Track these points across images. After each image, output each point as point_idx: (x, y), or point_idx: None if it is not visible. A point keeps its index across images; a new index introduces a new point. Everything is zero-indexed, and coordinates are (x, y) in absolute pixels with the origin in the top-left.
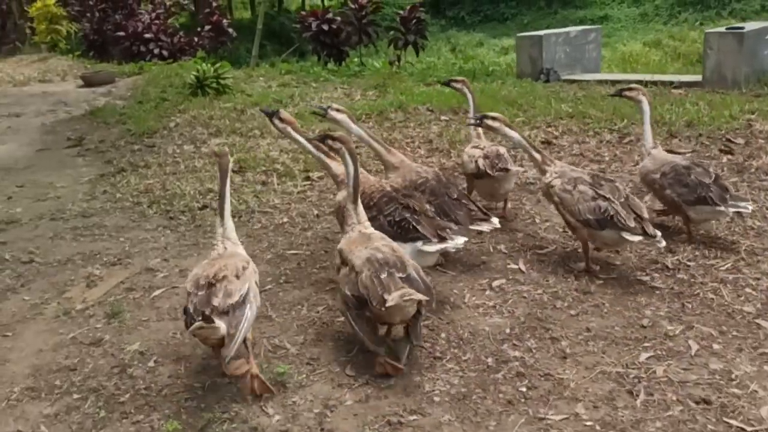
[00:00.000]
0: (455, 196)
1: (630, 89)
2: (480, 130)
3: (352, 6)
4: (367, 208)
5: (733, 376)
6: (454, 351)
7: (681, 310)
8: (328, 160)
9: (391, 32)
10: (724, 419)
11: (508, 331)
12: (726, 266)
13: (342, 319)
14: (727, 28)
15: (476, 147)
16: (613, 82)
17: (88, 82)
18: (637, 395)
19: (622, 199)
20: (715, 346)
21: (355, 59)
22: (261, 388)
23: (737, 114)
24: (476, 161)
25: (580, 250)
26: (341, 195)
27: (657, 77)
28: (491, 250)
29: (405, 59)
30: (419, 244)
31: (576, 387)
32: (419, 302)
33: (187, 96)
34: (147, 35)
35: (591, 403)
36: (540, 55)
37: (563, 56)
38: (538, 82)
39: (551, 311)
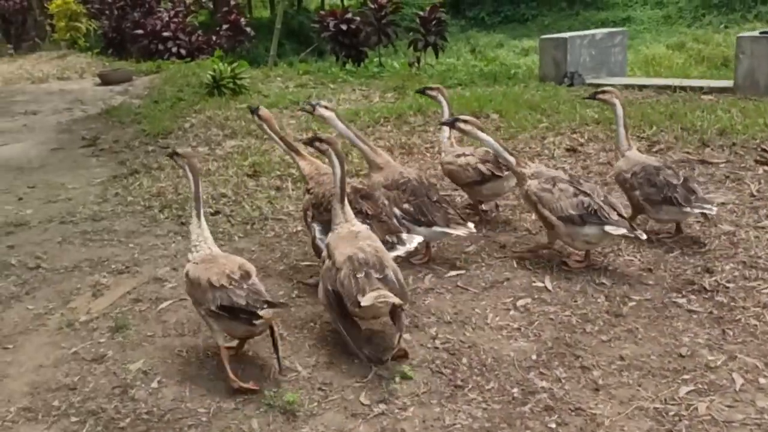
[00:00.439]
0: (435, 199)
1: (604, 92)
2: (453, 137)
3: (372, 6)
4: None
5: None
6: (477, 379)
7: (722, 337)
8: (298, 159)
9: (411, 33)
10: None
11: (534, 357)
12: None
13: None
14: (761, 32)
15: (461, 155)
16: (640, 87)
17: (106, 80)
18: None
19: (602, 198)
20: (762, 381)
21: (374, 60)
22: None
23: None
24: (476, 168)
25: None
26: (308, 197)
27: (686, 82)
28: (515, 265)
29: (425, 61)
30: None
31: (611, 425)
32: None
33: (204, 96)
34: (165, 33)
35: None
36: (564, 58)
37: (588, 59)
38: (562, 86)
39: (581, 336)
